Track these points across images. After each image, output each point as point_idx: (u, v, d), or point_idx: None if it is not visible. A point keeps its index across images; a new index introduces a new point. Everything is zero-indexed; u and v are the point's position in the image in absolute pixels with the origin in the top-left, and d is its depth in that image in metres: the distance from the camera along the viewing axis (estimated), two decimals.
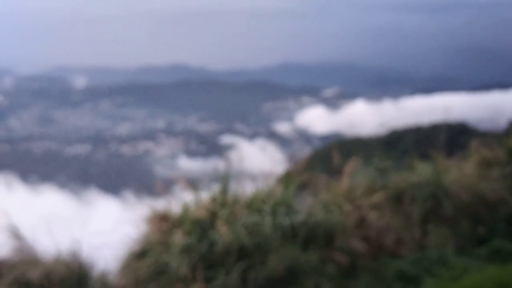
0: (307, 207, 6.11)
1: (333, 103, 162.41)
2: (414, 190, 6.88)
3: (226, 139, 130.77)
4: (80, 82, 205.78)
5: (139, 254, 5.74)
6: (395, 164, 7.30)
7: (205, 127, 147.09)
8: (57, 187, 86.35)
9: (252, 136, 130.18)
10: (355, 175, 6.87)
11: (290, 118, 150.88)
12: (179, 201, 6.04)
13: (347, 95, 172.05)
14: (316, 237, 5.91)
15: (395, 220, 6.60)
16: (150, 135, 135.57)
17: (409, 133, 56.59)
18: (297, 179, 6.34)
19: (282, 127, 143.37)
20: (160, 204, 6.04)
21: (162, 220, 5.88)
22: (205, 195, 6.06)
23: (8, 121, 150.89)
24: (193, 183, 6.15)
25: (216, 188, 6.12)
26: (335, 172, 6.83)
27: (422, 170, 7.10)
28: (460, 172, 7.24)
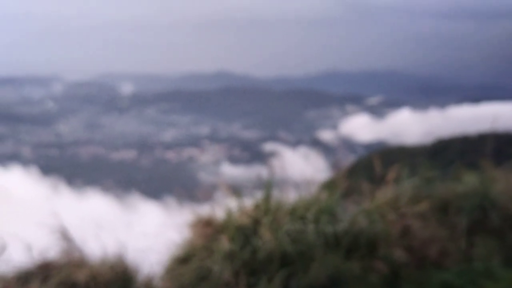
0: (350, 215, 6.08)
1: (377, 111, 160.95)
2: (460, 201, 6.76)
3: (269, 146, 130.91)
4: (126, 88, 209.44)
5: (183, 259, 5.80)
6: (441, 173, 7.20)
7: (249, 134, 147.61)
8: (102, 192, 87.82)
9: (295, 144, 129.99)
10: (400, 184, 6.80)
11: (334, 126, 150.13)
12: (223, 207, 6.08)
13: (392, 103, 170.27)
14: (359, 245, 5.86)
15: (440, 230, 6.50)
16: (194, 142, 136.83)
17: (456, 142, 55.56)
18: (340, 186, 6.31)
19: (326, 135, 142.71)
20: (204, 210, 6.09)
21: (206, 226, 5.93)
22: (248, 202, 6.09)
23: (57, 126, 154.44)
24: (236, 190, 6.19)
25: (259, 195, 6.14)
26: (379, 181, 6.77)
27: (469, 180, 6.98)
28: (508, 183, 7.08)
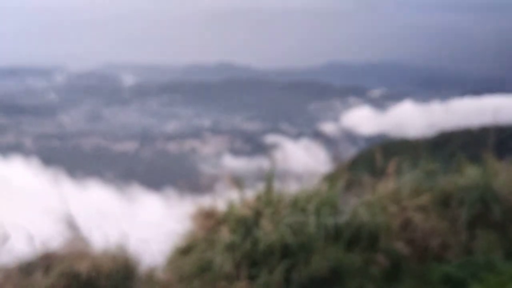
0: (351, 207, 6.08)
1: (380, 104, 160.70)
2: (462, 193, 6.75)
3: (271, 138, 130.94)
4: (129, 80, 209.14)
5: (184, 250, 5.81)
6: (443, 166, 7.18)
7: (251, 126, 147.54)
8: (104, 183, 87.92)
9: (297, 136, 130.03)
10: (401, 176, 6.79)
11: (336, 118, 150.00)
12: (224, 199, 6.09)
13: (394, 95, 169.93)
14: (360, 238, 5.87)
15: (442, 223, 6.50)
16: (196, 133, 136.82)
17: (458, 135, 55.52)
18: (342, 179, 6.31)
19: (328, 127, 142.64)
20: (205, 201, 6.10)
21: (207, 217, 5.94)
22: (250, 194, 6.09)
23: (59, 117, 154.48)
24: (237, 182, 6.19)
25: (260, 186, 6.14)
26: (380, 173, 6.76)
27: (471, 173, 6.96)
28: (510, 176, 7.07)
